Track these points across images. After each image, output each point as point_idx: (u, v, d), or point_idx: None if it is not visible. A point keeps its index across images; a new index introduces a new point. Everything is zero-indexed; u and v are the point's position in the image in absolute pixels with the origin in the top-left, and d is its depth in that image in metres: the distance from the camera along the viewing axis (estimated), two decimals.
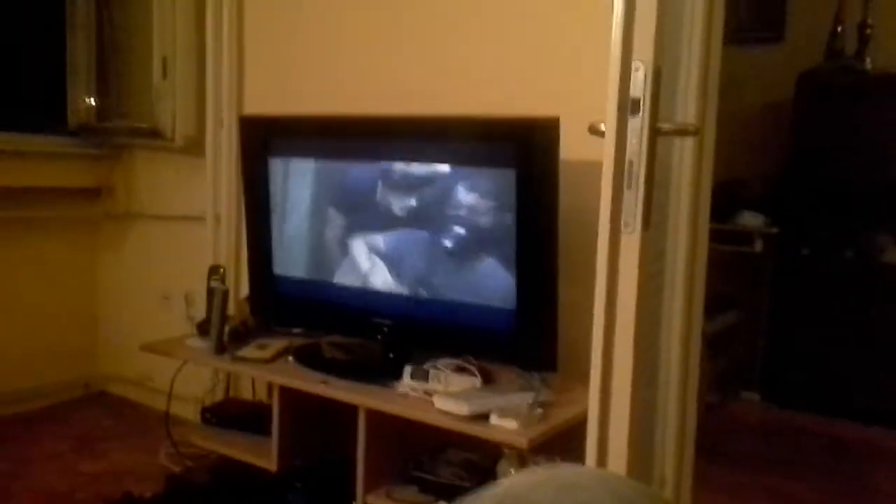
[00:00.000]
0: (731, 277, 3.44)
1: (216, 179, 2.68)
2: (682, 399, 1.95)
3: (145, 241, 3.11)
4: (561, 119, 1.73)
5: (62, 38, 3.00)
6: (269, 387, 2.26)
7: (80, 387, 3.18)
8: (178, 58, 2.72)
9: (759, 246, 3.51)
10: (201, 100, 2.73)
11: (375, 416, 1.88)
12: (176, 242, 2.97)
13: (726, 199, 3.33)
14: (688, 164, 1.85)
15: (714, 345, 3.03)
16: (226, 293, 2.19)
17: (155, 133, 2.79)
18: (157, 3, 2.73)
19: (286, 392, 2.05)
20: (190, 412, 2.61)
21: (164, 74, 2.74)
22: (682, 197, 1.87)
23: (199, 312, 2.41)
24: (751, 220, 3.54)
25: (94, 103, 3.04)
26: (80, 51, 3.00)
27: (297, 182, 2.21)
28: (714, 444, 2.89)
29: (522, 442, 1.64)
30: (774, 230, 3.46)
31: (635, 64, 1.35)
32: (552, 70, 2.05)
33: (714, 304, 2.92)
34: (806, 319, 3.39)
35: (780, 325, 3.48)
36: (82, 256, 3.18)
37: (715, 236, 2.06)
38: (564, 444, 1.71)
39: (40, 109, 3.03)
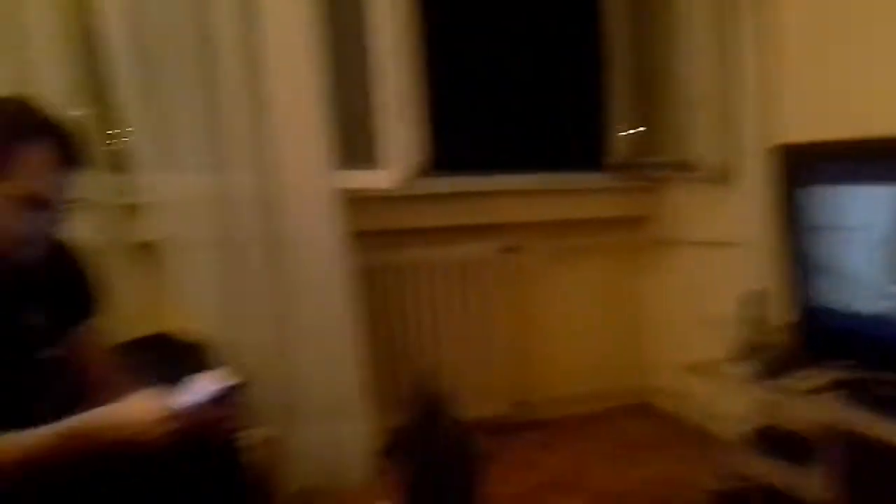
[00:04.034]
0: None
1: (749, 206, 2.69)
2: None
3: (682, 266, 3.28)
4: None
5: (597, 82, 3.33)
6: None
7: (626, 396, 3.47)
8: (705, 91, 2.81)
9: None
10: (727, 130, 2.79)
11: None
12: (710, 267, 3.07)
13: None
14: None
15: None
16: (764, 320, 2.18)
17: (685, 165, 2.92)
18: (683, 38, 2.86)
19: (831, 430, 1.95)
20: (727, 431, 2.65)
21: (694, 107, 2.85)
22: None
23: (736, 338, 2.44)
24: None
25: (631, 139, 3.31)
26: (619, 91, 3.28)
27: (849, 212, 2.09)
28: None
29: None
30: None
31: None
32: None
33: None
34: None
35: None
36: (625, 279, 3.49)
37: None
38: None
39: (576, 148, 3.45)
